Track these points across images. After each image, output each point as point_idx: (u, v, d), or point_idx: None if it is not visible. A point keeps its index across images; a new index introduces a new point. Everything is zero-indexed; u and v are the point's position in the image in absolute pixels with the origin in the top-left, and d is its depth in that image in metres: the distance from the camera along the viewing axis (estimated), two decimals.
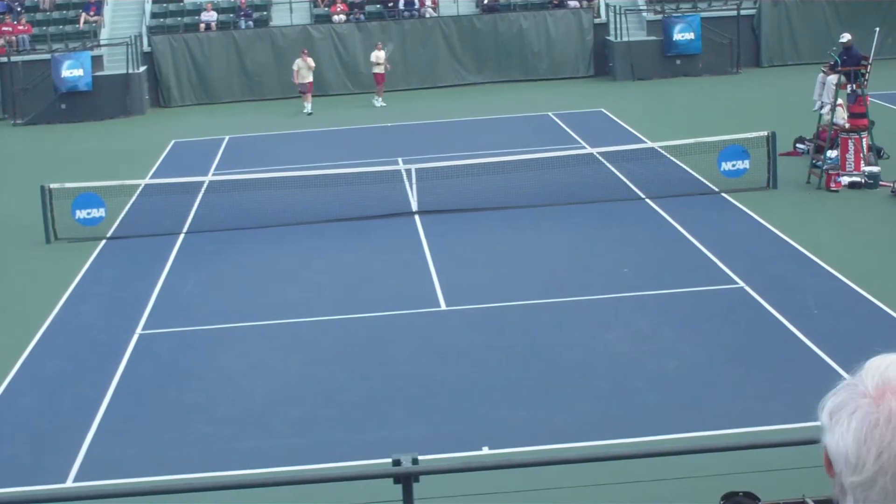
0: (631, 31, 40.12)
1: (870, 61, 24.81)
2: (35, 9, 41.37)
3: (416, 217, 22.64)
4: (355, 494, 9.15)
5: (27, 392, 15.25)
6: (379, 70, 37.40)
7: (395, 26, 40.46)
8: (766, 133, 23.57)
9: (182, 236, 22.36)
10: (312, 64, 36.46)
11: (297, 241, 21.57)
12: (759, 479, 11.15)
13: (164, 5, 41.51)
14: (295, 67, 36.45)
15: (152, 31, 40.27)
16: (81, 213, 22.82)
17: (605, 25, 41.02)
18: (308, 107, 36.07)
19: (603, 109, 33.78)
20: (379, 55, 37.43)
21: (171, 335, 17.17)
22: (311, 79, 36.25)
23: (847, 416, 2.12)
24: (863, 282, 17.37)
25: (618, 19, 39.98)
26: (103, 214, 22.92)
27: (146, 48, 39.70)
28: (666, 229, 21.03)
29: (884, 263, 18.52)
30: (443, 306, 17.66)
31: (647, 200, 22.88)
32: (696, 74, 39.24)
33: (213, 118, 36.46)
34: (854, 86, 23.79)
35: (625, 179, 24.52)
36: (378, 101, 37.07)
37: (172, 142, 32.67)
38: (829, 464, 2.19)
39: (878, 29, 26.74)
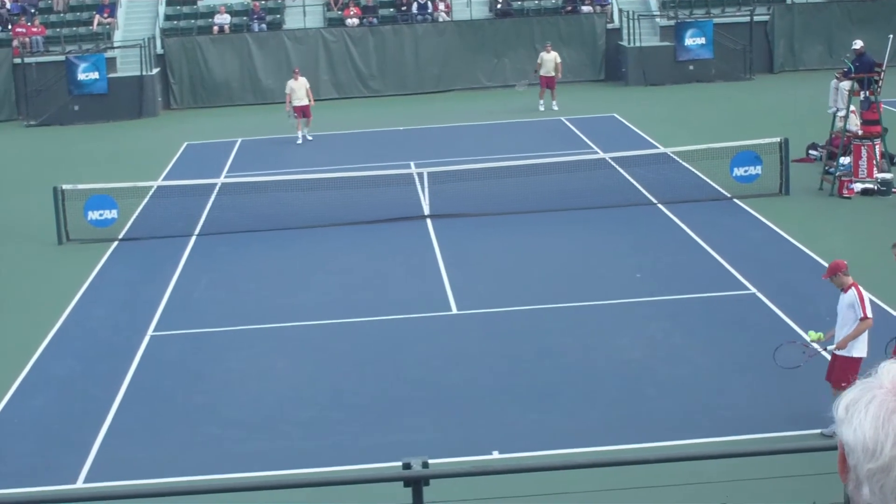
0: (644, 37, 40.08)
1: (883, 68, 24.77)
2: (49, 10, 41.46)
3: (428, 221, 22.65)
4: (365, 497, 9.15)
5: (38, 393, 15.29)
6: (549, 73, 35.56)
7: (407, 30, 40.49)
8: (778, 139, 23.54)
9: (194, 238, 22.39)
10: (306, 84, 32.32)
11: (308, 244, 21.59)
12: (769, 485, 11.13)
13: (178, 8, 41.58)
14: (287, 90, 32.32)
15: (165, 33, 40.33)
16: (94, 215, 22.86)
17: (618, 30, 40.98)
18: (301, 134, 31.98)
19: (615, 114, 33.75)
20: (546, 57, 35.82)
21: (182, 337, 17.20)
22: (307, 101, 32.02)
23: (864, 406, 2.17)
24: (874, 289, 17.30)
25: (631, 24, 39.95)
26: (115, 216, 22.97)
27: (159, 50, 39.76)
28: (678, 235, 21.01)
29: (895, 271, 18.46)
30: (454, 310, 17.66)
31: (660, 206, 22.86)
32: (709, 80, 39.17)
33: (226, 121, 36.49)
34: (867, 92, 23.74)
35: (637, 185, 24.49)
36: (553, 105, 35.33)
37: (185, 144, 32.72)
38: (842, 463, 2.21)
39: (891, 36, 26.66)
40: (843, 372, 12.59)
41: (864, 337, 12.71)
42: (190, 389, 15.14)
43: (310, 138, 32.12)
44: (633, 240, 20.91)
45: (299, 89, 32.10)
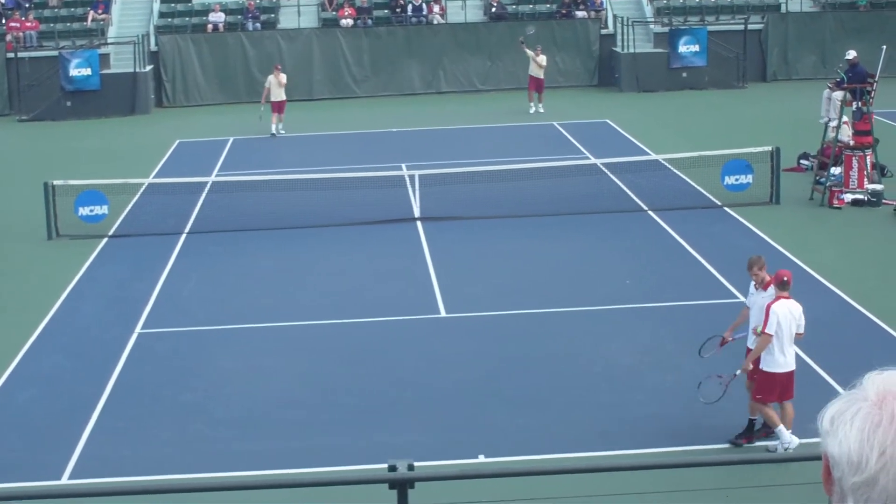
0: (638, 43, 40.11)
1: (876, 79, 24.82)
2: (43, 5, 41.39)
3: (419, 223, 22.64)
4: (350, 499, 9.14)
5: (25, 388, 15.26)
6: (538, 74, 35.85)
7: (402, 31, 40.50)
8: (770, 148, 23.58)
9: (184, 236, 22.36)
10: (284, 80, 33.59)
11: (298, 245, 21.57)
12: (755, 493, 11.16)
13: (172, 5, 41.54)
14: (266, 84, 33.79)
15: (160, 30, 40.29)
16: (84, 210, 22.82)
17: (612, 36, 41.04)
18: (278, 127, 33.25)
19: (608, 120, 33.78)
20: (539, 59, 35.94)
21: (170, 335, 17.18)
22: (283, 96, 33.42)
23: (850, 418, 2.16)
24: (863, 299, 17.37)
25: (625, 30, 40.00)
26: (106, 212, 22.93)
27: (153, 47, 39.71)
28: (668, 242, 21.03)
29: (884, 281, 18.52)
30: (443, 313, 17.66)
31: (650, 212, 22.88)
32: (702, 88, 39.23)
33: (218, 119, 36.45)
34: (859, 103, 23.78)
35: (628, 191, 24.51)
36: (540, 108, 35.57)
37: (177, 141, 32.69)
38: (827, 474, 2.21)
39: (884, 47, 26.73)
40: (761, 386, 12.54)
41: (776, 352, 12.44)
42: (178, 387, 15.13)
43: (283, 132, 33.23)
44: (623, 246, 20.92)
45: (277, 85, 33.35)
